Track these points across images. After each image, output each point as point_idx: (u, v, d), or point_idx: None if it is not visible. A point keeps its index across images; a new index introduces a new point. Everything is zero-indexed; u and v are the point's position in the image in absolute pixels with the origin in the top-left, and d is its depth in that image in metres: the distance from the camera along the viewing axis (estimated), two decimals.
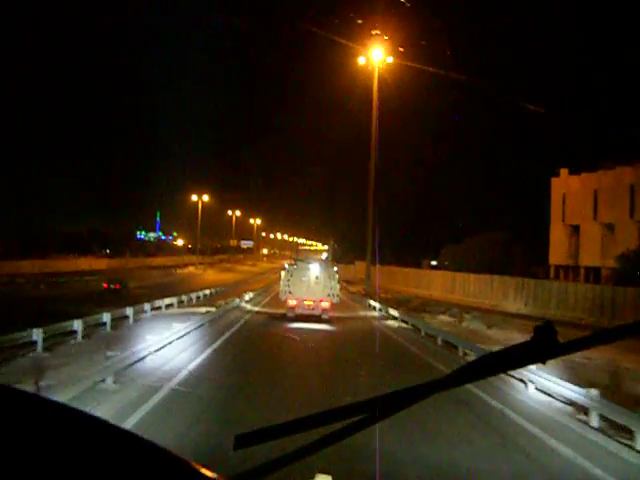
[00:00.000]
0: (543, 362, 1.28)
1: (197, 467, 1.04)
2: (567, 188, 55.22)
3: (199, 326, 21.91)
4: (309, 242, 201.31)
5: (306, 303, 28.05)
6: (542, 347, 1.23)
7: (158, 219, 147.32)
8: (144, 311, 25.81)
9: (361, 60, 48.29)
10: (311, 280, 28.43)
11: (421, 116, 75.47)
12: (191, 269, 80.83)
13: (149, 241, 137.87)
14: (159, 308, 28.21)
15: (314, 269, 28.92)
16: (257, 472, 1.33)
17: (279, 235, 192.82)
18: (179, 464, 1.02)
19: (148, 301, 26.87)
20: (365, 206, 53.21)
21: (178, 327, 18.97)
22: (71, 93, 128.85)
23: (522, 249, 67.20)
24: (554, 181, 56.96)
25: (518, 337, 23.63)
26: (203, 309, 29.12)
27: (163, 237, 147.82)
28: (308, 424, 1.33)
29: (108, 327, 20.72)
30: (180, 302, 31.66)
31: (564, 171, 56.23)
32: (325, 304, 28.19)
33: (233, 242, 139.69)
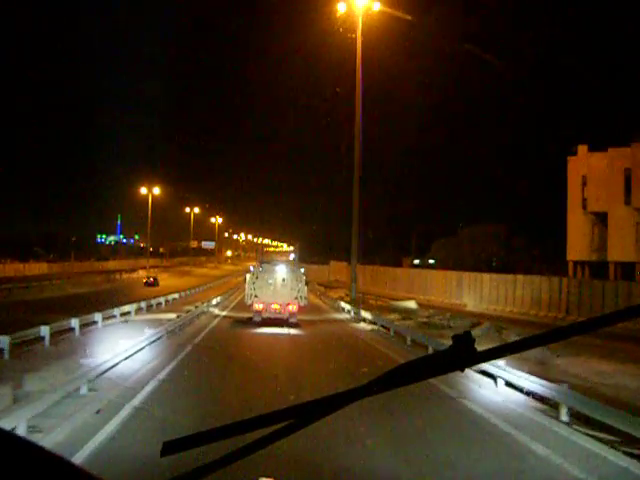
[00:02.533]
0: (461, 370, 1.26)
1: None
2: (588, 168, 44.51)
3: None
4: (275, 243, 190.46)
5: (273, 307, 25.98)
6: (460, 355, 1.23)
7: (119, 222, 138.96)
8: None
9: (341, 8, 37.28)
10: (277, 282, 26.43)
11: (414, 86, 63.62)
12: (141, 273, 68.69)
13: (108, 244, 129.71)
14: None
15: (280, 271, 26.83)
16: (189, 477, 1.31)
17: (243, 235, 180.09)
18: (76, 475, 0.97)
19: None
20: (340, 202, 43.15)
21: None
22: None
23: (525, 243, 56.71)
24: (571, 161, 46.23)
25: None
26: None
27: (125, 241, 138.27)
28: (235, 430, 1.30)
29: None
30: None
31: (582, 148, 45.59)
32: (292, 307, 26.05)
33: (193, 243, 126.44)
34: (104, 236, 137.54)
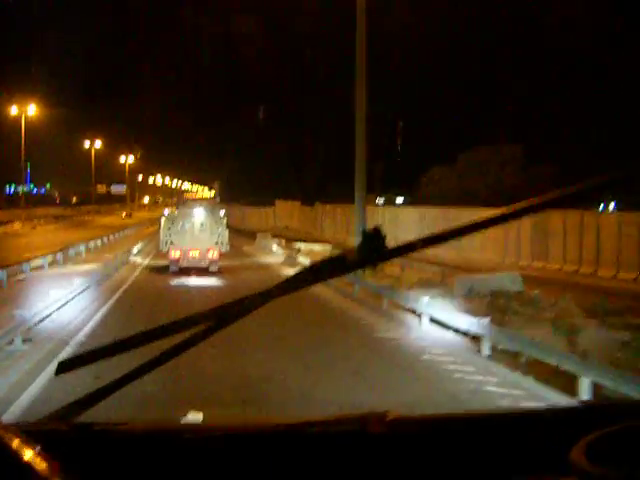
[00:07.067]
0: (374, 266, 1.27)
1: None
2: None
3: None
4: (195, 187, 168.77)
5: (191, 254, 22.86)
6: (371, 252, 1.19)
7: (29, 170, 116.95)
8: None
9: None
10: (195, 227, 23.45)
11: None
12: (16, 226, 48.38)
13: (16, 195, 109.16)
14: None
15: (198, 215, 23.98)
16: (88, 400, 1.18)
17: (160, 178, 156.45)
18: None
19: None
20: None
21: None
22: None
23: (552, 170, 39.40)
24: None
25: None
26: None
27: (35, 190, 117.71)
28: (139, 340, 1.18)
29: None
30: None
31: None
32: (213, 254, 23.03)
33: (101, 188, 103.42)
34: (13, 185, 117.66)
